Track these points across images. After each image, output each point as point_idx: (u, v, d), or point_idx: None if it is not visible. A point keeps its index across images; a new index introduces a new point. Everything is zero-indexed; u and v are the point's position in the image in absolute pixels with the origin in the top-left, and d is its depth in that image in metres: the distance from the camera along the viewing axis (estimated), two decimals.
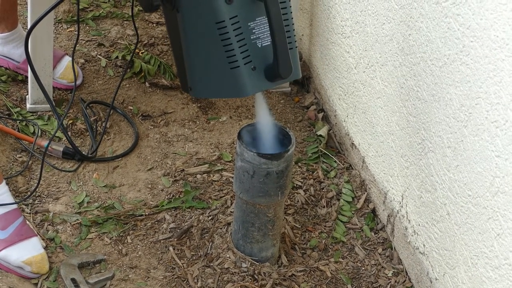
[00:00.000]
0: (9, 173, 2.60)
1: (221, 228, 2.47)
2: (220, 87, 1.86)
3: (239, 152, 2.23)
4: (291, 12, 1.93)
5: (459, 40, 2.02)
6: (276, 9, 1.81)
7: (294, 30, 1.96)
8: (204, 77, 1.87)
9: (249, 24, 1.83)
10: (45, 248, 2.38)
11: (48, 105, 2.79)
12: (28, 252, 2.31)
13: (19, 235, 2.33)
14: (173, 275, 2.36)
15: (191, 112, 2.91)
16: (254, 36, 1.84)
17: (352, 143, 2.74)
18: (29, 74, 2.73)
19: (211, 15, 1.80)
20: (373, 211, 2.62)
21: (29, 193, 2.54)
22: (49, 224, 2.47)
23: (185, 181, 2.64)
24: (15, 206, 2.37)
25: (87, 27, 3.21)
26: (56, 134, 2.74)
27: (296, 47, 1.94)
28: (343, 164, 2.77)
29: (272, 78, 1.85)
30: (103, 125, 2.78)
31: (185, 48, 1.88)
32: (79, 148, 2.69)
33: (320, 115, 2.93)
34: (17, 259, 2.30)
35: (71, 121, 2.79)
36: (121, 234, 2.46)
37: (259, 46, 1.84)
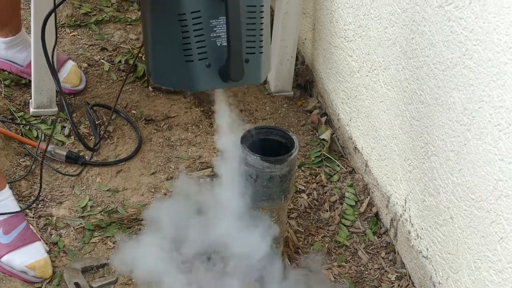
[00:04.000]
0: (12, 177, 2.60)
1: None
2: (175, 78, 1.88)
3: (242, 156, 2.23)
4: (263, 17, 1.91)
5: (462, 43, 2.02)
6: (235, 12, 1.82)
7: (264, 35, 1.93)
8: (162, 65, 1.89)
9: (211, 21, 1.84)
10: (49, 252, 2.39)
11: (51, 110, 2.79)
12: (31, 256, 2.31)
13: (22, 240, 2.33)
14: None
15: (194, 116, 2.91)
16: (215, 34, 1.84)
17: (355, 147, 2.74)
18: (33, 78, 2.73)
19: (175, 6, 1.82)
20: (376, 215, 2.62)
21: (32, 197, 2.54)
22: (53, 228, 2.47)
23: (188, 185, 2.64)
24: (18, 210, 2.37)
25: (90, 32, 3.21)
26: (59, 138, 2.74)
27: (261, 53, 1.91)
28: (346, 168, 2.77)
29: (225, 79, 1.86)
30: (106, 124, 2.78)
31: (148, 34, 1.90)
32: (81, 153, 2.69)
33: (323, 119, 2.93)
34: (21, 264, 2.30)
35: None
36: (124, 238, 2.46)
37: (218, 44, 1.85)
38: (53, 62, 2.13)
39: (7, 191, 2.36)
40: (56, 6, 2.03)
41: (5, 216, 2.33)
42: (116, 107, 2.87)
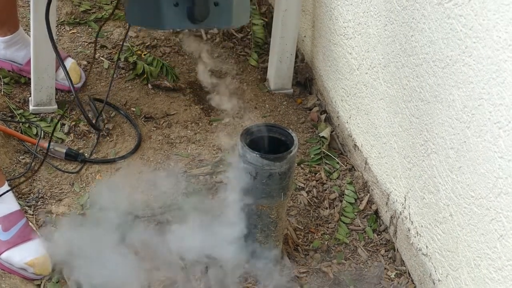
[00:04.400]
0: (12, 174, 2.60)
1: None
2: (146, 17, 1.88)
3: (242, 154, 2.23)
4: None
5: (462, 41, 2.03)
6: None
7: None
8: (135, 5, 1.89)
9: None
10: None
11: (51, 107, 2.79)
12: (30, 253, 2.31)
13: (21, 237, 2.33)
14: (176, 275, 2.36)
15: (193, 114, 2.91)
16: None
17: (355, 145, 2.74)
18: (32, 76, 2.73)
19: None
20: (376, 212, 2.62)
21: (32, 195, 2.54)
22: (52, 226, 2.47)
23: (187, 183, 2.64)
24: (17, 207, 2.37)
25: (90, 29, 3.21)
26: (59, 136, 2.73)
27: None
28: (346, 166, 2.77)
29: (192, 19, 1.86)
30: (105, 121, 2.78)
31: None
32: (81, 151, 2.69)
33: (323, 116, 2.93)
34: (20, 261, 2.30)
35: (73, 123, 2.79)
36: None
37: None
38: (57, 53, 2.13)
39: (5, 188, 2.36)
40: None
41: (4, 213, 2.33)
42: (116, 105, 2.88)
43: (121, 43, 3.15)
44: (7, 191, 2.34)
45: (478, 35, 1.95)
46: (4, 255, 2.31)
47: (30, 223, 2.42)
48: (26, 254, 2.31)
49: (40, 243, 2.35)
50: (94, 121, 2.69)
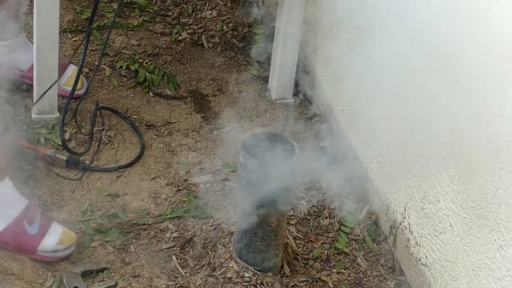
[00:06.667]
0: (13, 181, 2.60)
1: (224, 238, 2.47)
2: None
3: (243, 162, 2.23)
4: None
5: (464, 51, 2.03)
6: None
7: None
8: None
9: None
10: None
11: (53, 116, 2.80)
12: (56, 233, 2.37)
13: (45, 224, 2.38)
14: (176, 284, 2.36)
15: (194, 122, 2.92)
16: None
17: (355, 155, 2.75)
18: (35, 85, 2.74)
19: None
20: (376, 222, 2.62)
21: (33, 201, 2.55)
22: None
23: (188, 191, 2.64)
24: (26, 201, 2.39)
25: (92, 37, 3.22)
26: (60, 143, 2.74)
27: None
28: (346, 175, 2.77)
29: None
30: (106, 129, 2.79)
31: None
32: (81, 158, 2.70)
33: (323, 126, 2.94)
34: (52, 244, 2.36)
35: (75, 130, 2.79)
36: (124, 243, 2.47)
37: None
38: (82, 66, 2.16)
39: (8, 182, 2.36)
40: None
41: (22, 208, 2.35)
42: (120, 112, 2.88)
43: (123, 51, 3.16)
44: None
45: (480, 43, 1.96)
46: (40, 247, 2.35)
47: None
48: (53, 236, 2.36)
49: (56, 223, 2.40)
50: (94, 130, 2.70)
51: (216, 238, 2.47)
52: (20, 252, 2.36)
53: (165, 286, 2.35)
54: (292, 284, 2.39)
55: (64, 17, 3.25)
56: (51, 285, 2.33)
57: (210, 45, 3.27)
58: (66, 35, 3.22)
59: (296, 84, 3.05)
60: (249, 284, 2.35)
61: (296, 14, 2.87)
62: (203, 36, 3.30)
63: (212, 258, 2.42)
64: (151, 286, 2.35)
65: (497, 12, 1.88)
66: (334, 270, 2.47)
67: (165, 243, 2.48)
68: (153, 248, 2.47)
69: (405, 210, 2.44)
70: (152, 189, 2.66)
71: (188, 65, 3.17)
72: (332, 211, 2.65)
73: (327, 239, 2.57)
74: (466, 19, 2.01)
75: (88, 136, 2.74)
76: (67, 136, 2.78)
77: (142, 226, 2.52)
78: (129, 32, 3.28)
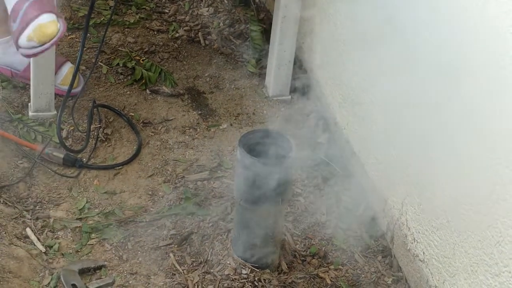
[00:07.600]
0: (10, 179, 2.60)
1: (221, 235, 2.47)
2: None
3: (240, 159, 2.23)
4: None
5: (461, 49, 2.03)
6: None
7: None
8: None
9: None
10: (45, 253, 2.39)
11: (50, 113, 2.80)
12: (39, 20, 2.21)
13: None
14: (174, 281, 2.36)
15: (191, 119, 2.92)
16: None
17: (352, 151, 2.75)
18: (32, 83, 2.73)
19: None
20: (373, 218, 2.62)
21: (30, 199, 2.55)
22: (50, 230, 2.48)
23: (185, 188, 2.64)
24: None
25: (88, 34, 3.21)
26: (57, 141, 2.73)
27: None
28: (343, 171, 2.77)
29: None
30: (104, 127, 2.79)
31: None
32: (78, 156, 2.70)
33: (320, 122, 2.94)
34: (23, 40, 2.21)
35: (72, 127, 2.79)
36: (121, 240, 2.47)
37: None
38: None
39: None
40: None
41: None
42: (117, 109, 2.88)
43: (119, 48, 3.16)
44: None
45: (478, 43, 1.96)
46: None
47: (29, 227, 2.42)
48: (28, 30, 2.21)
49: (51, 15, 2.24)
50: (91, 127, 2.69)
51: (213, 235, 2.47)
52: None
53: (162, 283, 2.35)
54: (290, 280, 2.39)
55: None
56: (49, 283, 2.33)
57: (207, 42, 3.27)
58: None
59: (293, 81, 3.05)
60: (246, 281, 2.35)
61: (293, 11, 2.87)
62: (199, 33, 3.30)
63: (209, 255, 2.42)
64: (149, 283, 2.36)
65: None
66: (332, 267, 2.47)
67: (163, 240, 2.48)
68: (151, 245, 2.46)
69: (402, 206, 2.44)
70: (149, 186, 2.66)
71: (185, 62, 3.17)
72: (329, 207, 2.64)
73: (324, 236, 2.56)
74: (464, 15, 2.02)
75: (85, 134, 2.74)
76: (64, 133, 2.77)
77: (140, 224, 2.52)
78: (126, 29, 3.28)
